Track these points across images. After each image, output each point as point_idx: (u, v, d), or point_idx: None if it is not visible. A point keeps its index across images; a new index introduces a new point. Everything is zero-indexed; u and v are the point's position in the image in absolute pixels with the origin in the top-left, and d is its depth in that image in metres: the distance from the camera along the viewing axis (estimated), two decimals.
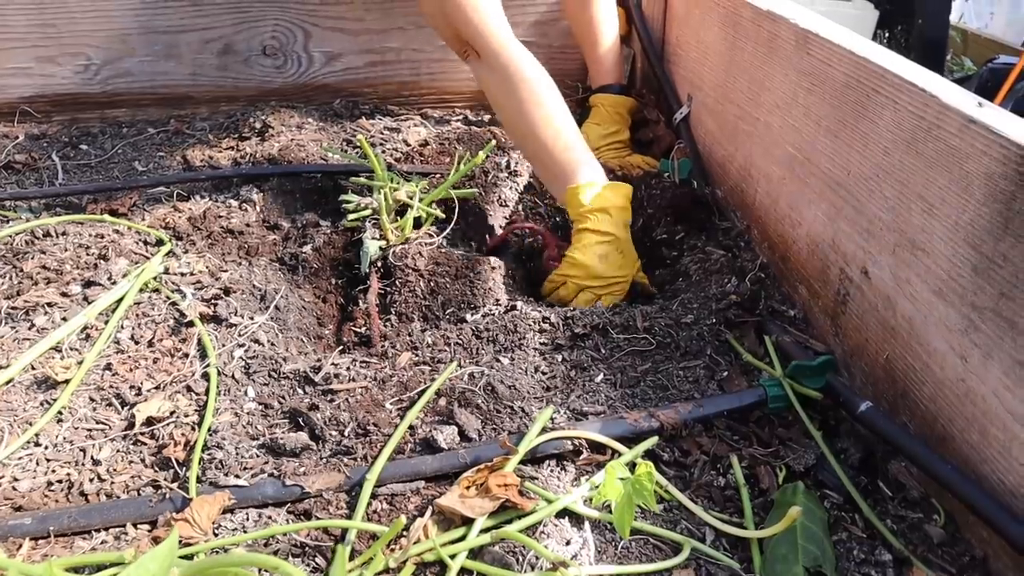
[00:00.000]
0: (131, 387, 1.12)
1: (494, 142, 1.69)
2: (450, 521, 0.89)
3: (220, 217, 1.59)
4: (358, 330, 1.36)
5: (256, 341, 1.23)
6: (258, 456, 1.00)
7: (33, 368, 1.15)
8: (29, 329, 1.22)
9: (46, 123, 1.98)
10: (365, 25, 2.02)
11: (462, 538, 0.87)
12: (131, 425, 1.05)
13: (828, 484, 0.98)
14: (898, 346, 1.02)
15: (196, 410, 1.08)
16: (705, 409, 1.05)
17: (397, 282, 1.39)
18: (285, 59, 2.03)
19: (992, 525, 0.82)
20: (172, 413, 1.07)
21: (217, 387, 1.11)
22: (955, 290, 0.90)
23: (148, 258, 1.42)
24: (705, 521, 0.91)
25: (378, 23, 2.02)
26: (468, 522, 0.88)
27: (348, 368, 1.15)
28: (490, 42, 1.48)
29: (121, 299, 1.28)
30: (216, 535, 0.90)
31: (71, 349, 1.19)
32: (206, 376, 1.13)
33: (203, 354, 1.18)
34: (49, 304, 1.27)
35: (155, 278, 1.34)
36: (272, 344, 1.24)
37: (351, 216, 1.56)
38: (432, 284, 1.37)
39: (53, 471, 0.99)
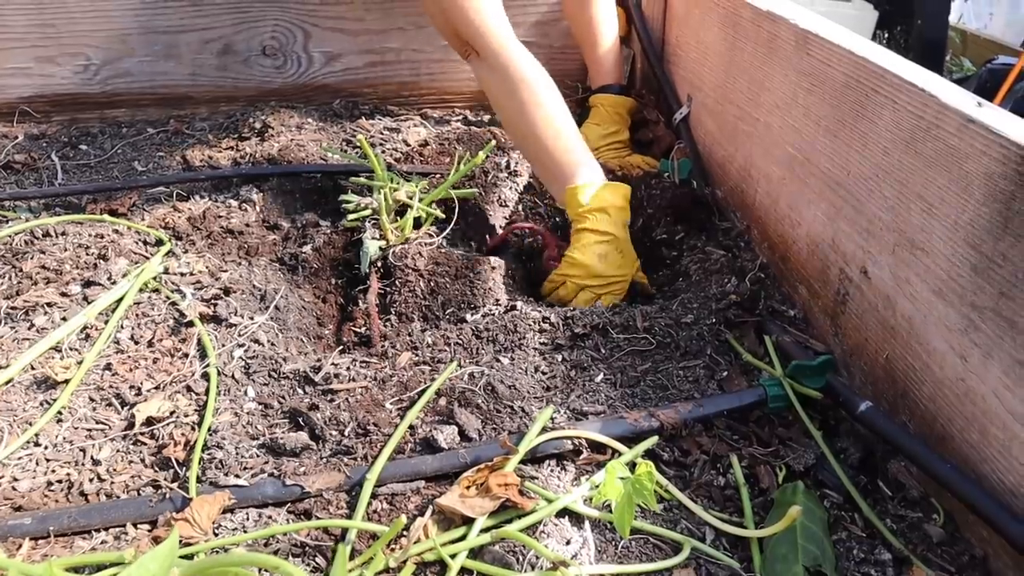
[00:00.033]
0: (131, 387, 1.12)
1: (494, 142, 1.69)
2: (450, 521, 0.89)
3: (220, 217, 1.59)
4: (358, 330, 1.36)
5: (256, 341, 1.23)
6: (258, 456, 1.00)
7: (33, 368, 1.15)
8: (29, 329, 1.22)
9: (45, 123, 1.98)
10: (365, 25, 2.02)
11: (462, 538, 0.87)
12: (131, 425, 1.05)
13: (828, 484, 0.98)
14: (898, 346, 1.02)
15: (196, 410, 1.08)
16: (705, 409, 1.05)
17: (397, 282, 1.39)
18: (285, 59, 2.03)
19: (992, 524, 0.82)
20: (172, 413, 1.07)
21: (217, 387, 1.11)
22: (955, 290, 0.90)
23: (148, 258, 1.42)
24: (705, 521, 0.91)
25: (378, 23, 2.02)
26: (468, 522, 0.88)
27: (348, 368, 1.15)
28: (490, 42, 1.48)
29: (121, 299, 1.28)
30: (216, 535, 0.90)
31: (71, 349, 1.19)
32: (206, 376, 1.13)
33: (203, 354, 1.18)
34: (49, 304, 1.27)
35: (155, 278, 1.34)
36: (272, 344, 1.24)
37: (351, 216, 1.56)
38: (432, 284, 1.37)
39: (53, 471, 0.99)
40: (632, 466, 0.90)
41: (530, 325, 1.21)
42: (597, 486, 0.92)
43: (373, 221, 1.54)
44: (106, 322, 1.23)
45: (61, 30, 1.90)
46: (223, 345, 1.20)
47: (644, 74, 2.08)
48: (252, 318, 1.27)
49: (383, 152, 1.83)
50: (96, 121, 2.00)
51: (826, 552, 0.87)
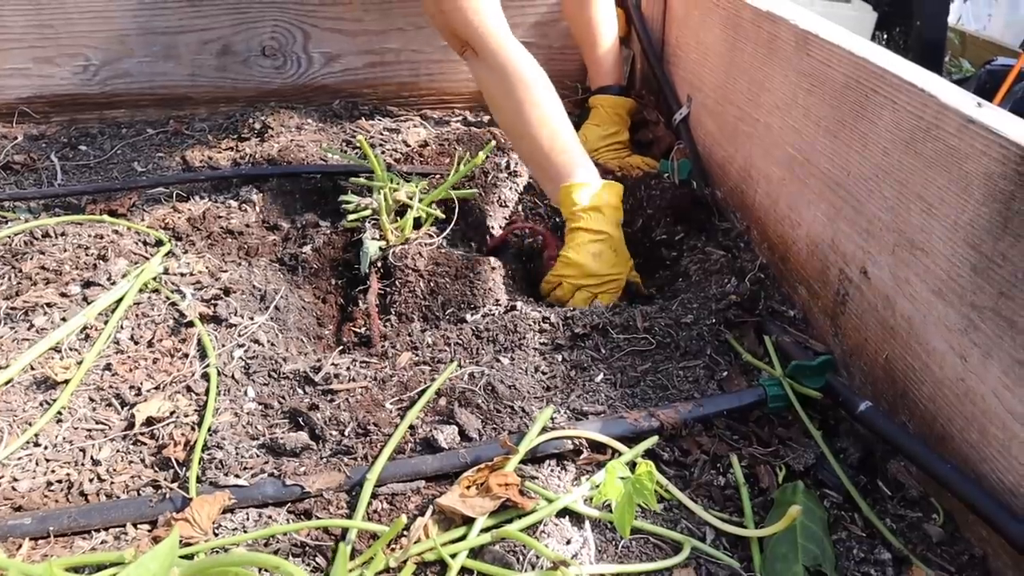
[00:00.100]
0: (131, 387, 1.12)
1: (494, 143, 1.69)
2: (450, 520, 0.89)
3: (220, 217, 1.59)
4: (358, 330, 1.36)
5: (256, 341, 1.23)
6: (258, 456, 1.00)
7: (32, 368, 1.15)
8: (28, 329, 1.22)
9: (45, 124, 1.98)
10: (364, 26, 2.02)
11: (463, 537, 0.87)
12: (131, 425, 1.05)
13: (828, 483, 0.98)
14: (897, 346, 1.02)
15: (196, 410, 1.08)
16: (705, 409, 1.05)
17: (397, 282, 1.39)
18: (284, 60, 2.03)
19: (991, 524, 0.82)
20: (172, 413, 1.07)
21: (217, 387, 1.11)
22: (954, 290, 0.90)
23: (147, 258, 1.42)
24: (705, 520, 0.91)
25: (377, 24, 2.02)
26: (469, 521, 0.88)
27: (348, 368, 1.15)
28: (489, 42, 1.48)
29: (120, 299, 1.28)
30: (216, 535, 0.90)
31: (70, 349, 1.19)
32: (206, 376, 1.13)
33: (203, 354, 1.18)
34: (48, 304, 1.27)
35: (155, 278, 1.34)
36: (272, 344, 1.24)
37: (351, 216, 1.56)
38: (432, 284, 1.37)
39: (53, 471, 0.99)
40: (632, 466, 0.90)
41: (530, 325, 1.21)
42: (597, 486, 0.92)
43: (373, 221, 1.54)
44: (106, 322, 1.23)
45: (60, 31, 1.90)
46: (223, 345, 1.20)
47: (644, 75, 2.08)
48: (252, 318, 1.27)
49: (383, 153, 1.83)
50: (95, 122, 2.00)
51: (826, 552, 0.87)
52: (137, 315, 1.26)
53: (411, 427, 1.03)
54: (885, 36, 3.95)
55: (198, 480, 0.95)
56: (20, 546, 0.89)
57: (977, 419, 0.88)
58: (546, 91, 1.48)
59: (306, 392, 1.12)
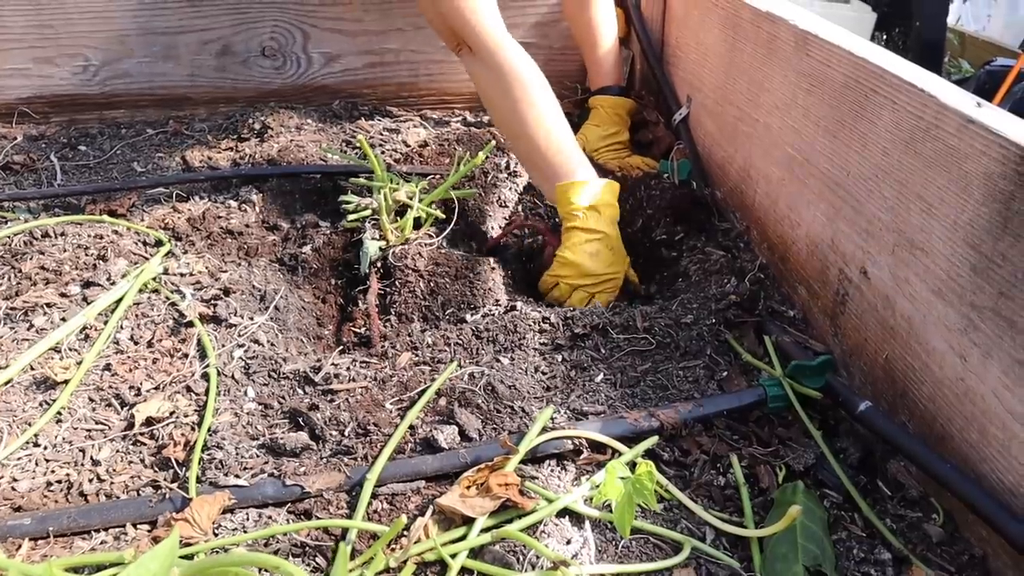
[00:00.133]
0: (130, 387, 1.12)
1: (493, 143, 1.69)
2: (451, 521, 0.89)
3: (219, 218, 1.59)
4: (358, 330, 1.36)
5: (256, 341, 1.23)
6: (258, 456, 1.00)
7: (32, 368, 1.15)
8: (28, 330, 1.22)
9: (44, 124, 1.98)
10: (364, 26, 2.02)
11: (463, 537, 0.87)
12: (131, 425, 1.05)
13: (828, 483, 0.98)
14: (897, 346, 1.02)
15: (196, 410, 1.08)
16: (705, 409, 1.05)
17: (397, 282, 1.39)
18: (284, 60, 2.03)
19: (991, 524, 0.82)
20: (172, 413, 1.07)
21: (217, 387, 1.11)
22: (954, 290, 0.90)
23: (147, 259, 1.42)
24: (705, 520, 0.91)
25: (377, 24, 2.02)
26: (469, 521, 0.88)
27: (348, 368, 1.15)
28: (486, 41, 1.48)
29: (120, 299, 1.28)
30: (216, 535, 0.90)
31: (70, 349, 1.19)
32: (206, 376, 1.13)
33: (203, 354, 1.18)
34: (48, 305, 1.27)
35: (154, 278, 1.34)
36: (272, 344, 1.24)
37: (351, 216, 1.56)
38: (432, 284, 1.37)
39: (52, 471, 0.99)
40: (632, 466, 0.90)
41: (530, 325, 1.21)
42: (597, 486, 0.92)
43: (373, 221, 1.54)
44: (105, 322, 1.23)
45: (59, 31, 1.90)
46: (223, 345, 1.20)
47: (644, 75, 2.08)
48: (252, 318, 1.27)
49: (382, 153, 1.83)
50: (95, 122, 2.00)
51: (826, 552, 0.87)
52: (137, 315, 1.26)
53: (411, 427, 1.03)
54: (884, 37, 3.95)
55: (198, 480, 0.95)
56: (20, 546, 0.89)
57: (977, 419, 0.88)
58: (542, 90, 1.48)
59: (306, 392, 1.12)
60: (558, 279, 1.42)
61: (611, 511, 0.88)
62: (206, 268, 1.41)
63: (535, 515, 0.89)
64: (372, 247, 1.47)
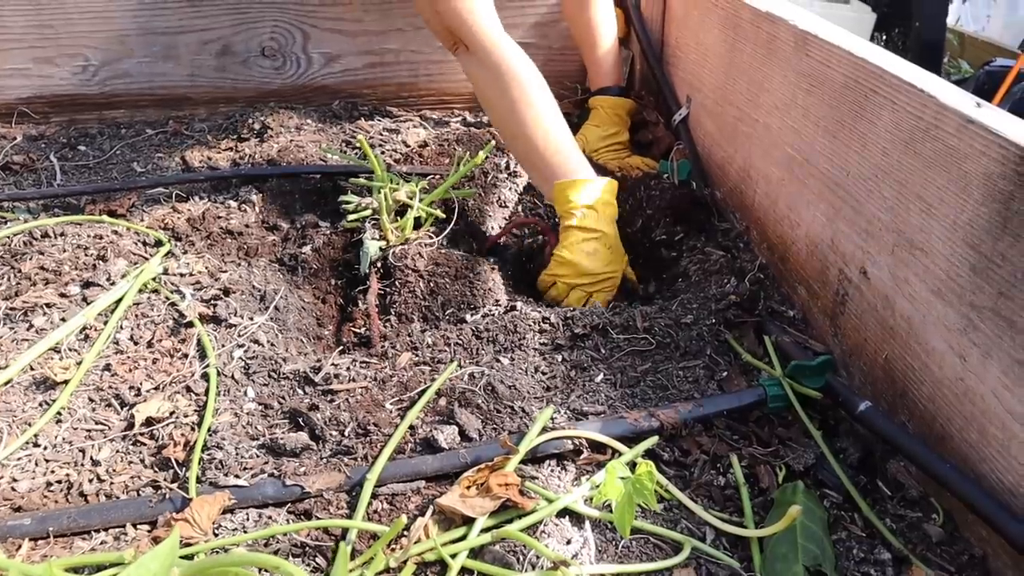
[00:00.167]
0: (130, 387, 1.12)
1: (493, 143, 1.69)
2: (451, 521, 0.89)
3: (219, 218, 1.59)
4: (358, 330, 1.36)
5: (256, 341, 1.23)
6: (258, 456, 1.00)
7: (32, 369, 1.14)
8: (28, 330, 1.22)
9: (44, 124, 1.98)
10: (364, 27, 2.02)
11: (463, 538, 0.87)
12: (130, 425, 1.05)
13: (828, 483, 0.98)
14: (897, 346, 1.02)
15: (196, 410, 1.08)
16: (705, 409, 1.05)
17: (397, 282, 1.39)
18: (284, 60, 2.03)
19: (991, 524, 0.82)
20: (172, 413, 1.07)
21: (217, 387, 1.11)
22: (954, 290, 0.91)
23: (147, 259, 1.42)
24: (705, 520, 0.91)
25: (377, 24, 2.02)
26: (469, 522, 0.88)
27: (348, 368, 1.15)
28: (484, 40, 1.48)
29: (120, 300, 1.28)
30: (216, 535, 0.90)
31: (70, 350, 1.19)
32: (206, 376, 1.13)
33: (203, 354, 1.18)
34: (48, 305, 1.27)
35: (154, 279, 1.34)
36: (272, 344, 1.24)
37: (351, 217, 1.56)
38: (432, 284, 1.37)
39: (52, 471, 0.99)
40: (632, 466, 0.90)
41: (530, 325, 1.21)
42: (597, 486, 0.92)
43: (373, 221, 1.54)
44: (105, 323, 1.23)
45: (59, 31, 1.90)
46: (223, 345, 1.20)
47: (643, 75, 2.08)
48: (252, 318, 1.27)
49: (382, 153, 1.83)
50: (95, 122, 2.00)
51: (826, 552, 0.87)
52: (136, 315, 1.26)
53: (411, 427, 1.03)
54: (884, 37, 3.96)
55: (198, 480, 0.95)
56: (20, 546, 0.89)
57: (976, 419, 0.88)
58: (540, 90, 1.48)
59: (306, 392, 1.12)
60: (555, 278, 1.42)
61: (611, 511, 0.88)
62: (206, 268, 1.41)
63: (535, 515, 0.89)
64: (372, 247, 1.47)
